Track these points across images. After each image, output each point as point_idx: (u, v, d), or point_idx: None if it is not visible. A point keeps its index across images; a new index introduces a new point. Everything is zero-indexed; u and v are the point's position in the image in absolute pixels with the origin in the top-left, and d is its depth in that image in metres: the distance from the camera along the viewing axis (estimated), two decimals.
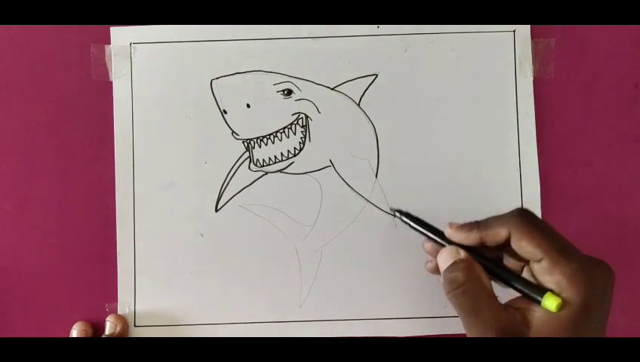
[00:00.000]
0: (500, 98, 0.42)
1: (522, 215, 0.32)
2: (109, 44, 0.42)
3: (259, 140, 0.41)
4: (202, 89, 0.42)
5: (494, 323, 0.30)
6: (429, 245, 0.35)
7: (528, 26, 0.42)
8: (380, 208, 0.41)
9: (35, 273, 0.41)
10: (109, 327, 0.40)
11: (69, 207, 0.41)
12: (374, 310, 0.41)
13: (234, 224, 0.41)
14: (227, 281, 0.41)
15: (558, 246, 0.31)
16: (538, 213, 0.41)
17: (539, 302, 0.30)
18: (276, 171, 0.41)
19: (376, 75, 0.42)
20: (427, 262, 0.35)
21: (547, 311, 0.30)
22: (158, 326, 0.41)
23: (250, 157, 0.41)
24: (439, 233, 0.34)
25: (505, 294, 0.33)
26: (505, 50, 0.42)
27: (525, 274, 0.33)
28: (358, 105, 0.42)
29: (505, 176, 0.40)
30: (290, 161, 0.41)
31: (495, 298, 0.32)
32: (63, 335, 0.41)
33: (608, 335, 0.41)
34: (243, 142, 0.41)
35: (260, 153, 0.41)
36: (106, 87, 0.42)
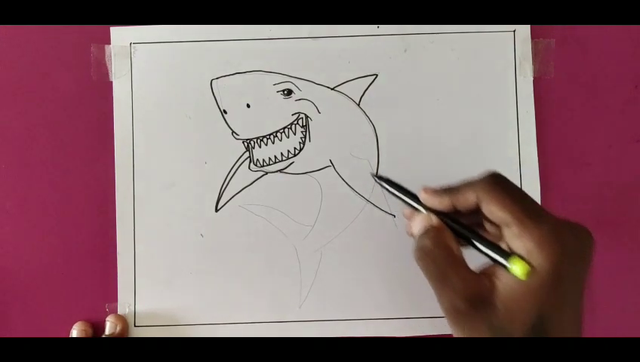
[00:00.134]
0: (500, 98, 0.42)
1: (492, 179, 0.31)
2: (109, 44, 0.42)
3: (259, 140, 0.41)
4: (202, 89, 0.42)
5: (462, 290, 0.30)
6: (408, 211, 0.35)
7: (528, 26, 0.42)
8: (380, 208, 0.41)
9: (35, 273, 0.41)
10: (109, 327, 0.40)
11: (69, 207, 0.41)
12: (374, 310, 0.41)
13: (234, 224, 0.41)
14: (227, 281, 0.41)
15: (528, 210, 0.30)
16: None
17: (507, 268, 0.29)
18: (276, 171, 0.41)
19: (376, 75, 0.42)
20: (408, 227, 0.35)
21: (516, 278, 0.29)
22: (158, 326, 0.41)
23: (250, 157, 0.41)
24: (417, 199, 0.34)
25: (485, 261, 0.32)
26: (505, 50, 0.42)
27: (493, 236, 0.32)
28: (358, 105, 0.42)
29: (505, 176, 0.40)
30: (290, 161, 0.41)
31: (464, 265, 0.31)
32: (63, 335, 0.41)
33: (609, 335, 0.41)
34: (243, 142, 0.41)
35: (260, 153, 0.41)
36: (106, 87, 0.42)
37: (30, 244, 0.41)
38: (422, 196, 0.33)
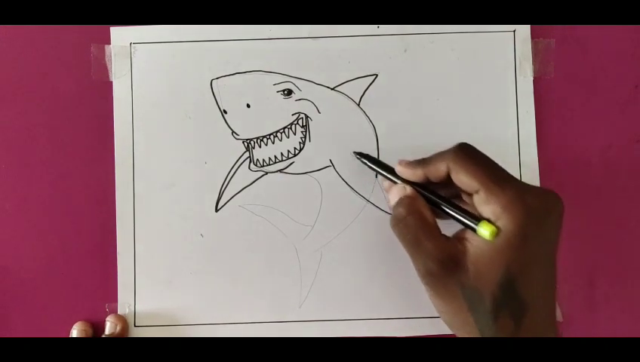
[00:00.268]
0: (500, 98, 0.42)
1: (460, 149, 0.33)
2: (109, 44, 0.42)
3: (259, 140, 0.41)
4: (202, 89, 0.42)
5: (435, 253, 0.32)
6: (386, 184, 0.37)
7: (528, 26, 0.42)
8: (380, 208, 0.41)
9: (35, 273, 0.41)
10: (109, 327, 0.40)
11: (69, 207, 0.41)
12: (374, 310, 0.41)
13: (234, 224, 0.41)
14: (227, 281, 0.41)
15: (495, 176, 0.32)
16: None
17: (475, 231, 0.32)
18: (276, 171, 0.41)
19: (376, 75, 0.42)
20: (387, 200, 0.37)
21: (485, 240, 0.31)
22: (158, 326, 0.41)
23: (250, 157, 0.41)
24: (394, 172, 0.36)
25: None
26: (505, 50, 0.42)
27: (471, 208, 0.33)
28: (358, 105, 0.42)
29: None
30: (290, 161, 0.41)
31: (437, 230, 0.33)
32: (63, 335, 0.41)
33: (608, 335, 0.41)
34: (243, 142, 0.41)
35: (260, 153, 0.41)
36: (106, 87, 0.42)
37: (30, 244, 0.41)
38: (397, 168, 0.36)
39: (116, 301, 0.41)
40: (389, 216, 0.40)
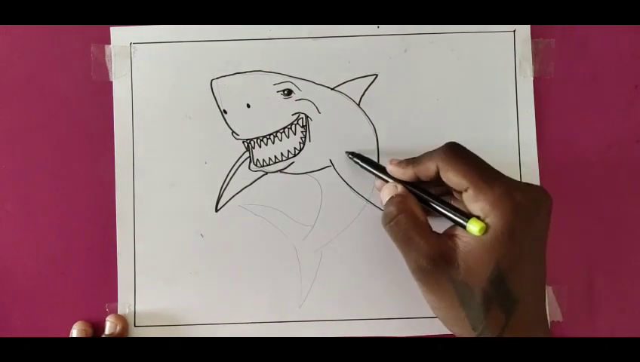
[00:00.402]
0: (500, 98, 0.42)
1: (449, 148, 0.34)
2: (109, 44, 0.42)
3: (259, 140, 0.41)
4: (202, 89, 0.42)
5: (426, 250, 0.33)
6: (379, 182, 0.38)
7: (528, 26, 0.42)
8: (380, 208, 0.41)
9: (35, 273, 0.41)
10: (109, 327, 0.40)
11: (69, 207, 0.41)
12: (374, 310, 0.41)
13: (234, 224, 0.41)
14: (227, 281, 0.41)
15: (483, 174, 0.32)
16: None
17: (465, 227, 0.32)
18: (276, 171, 0.41)
19: (376, 75, 0.42)
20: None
21: (474, 236, 0.32)
22: (158, 326, 0.41)
23: (250, 157, 0.41)
24: (386, 172, 0.37)
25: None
26: (505, 50, 0.42)
27: (461, 205, 0.34)
28: (358, 105, 0.42)
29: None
30: (290, 161, 0.41)
31: (428, 227, 0.34)
32: (63, 335, 0.40)
33: (608, 335, 0.41)
34: (243, 142, 0.41)
35: (260, 153, 0.41)
36: (106, 87, 0.42)
37: (30, 244, 0.41)
38: (388, 168, 0.37)
39: (116, 301, 0.41)
40: None
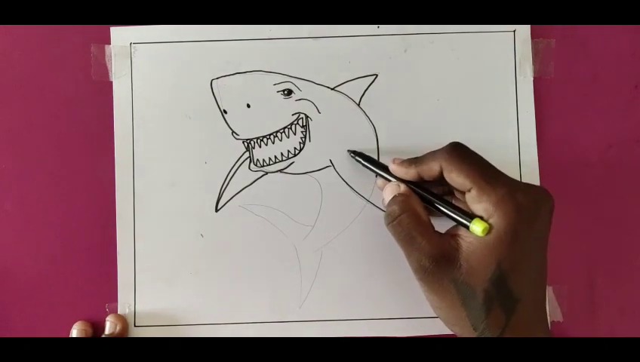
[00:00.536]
0: (500, 98, 0.42)
1: (453, 148, 0.34)
2: (109, 44, 0.42)
3: (259, 140, 0.41)
4: (202, 89, 0.42)
5: (428, 250, 0.33)
6: (381, 181, 0.38)
7: (528, 26, 0.42)
8: (380, 208, 0.41)
9: (35, 273, 0.41)
10: (109, 327, 0.40)
11: (69, 207, 0.41)
12: (374, 310, 0.41)
13: (234, 224, 0.41)
14: (227, 281, 0.41)
15: (486, 175, 0.32)
16: None
17: (468, 228, 0.32)
18: (276, 171, 0.41)
19: (376, 75, 0.42)
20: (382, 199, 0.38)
21: (477, 237, 0.32)
22: (158, 326, 0.41)
23: (250, 157, 0.41)
24: (389, 171, 0.37)
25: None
26: (505, 50, 0.42)
27: (463, 205, 0.34)
28: (358, 105, 0.42)
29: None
30: (291, 161, 0.41)
31: (430, 227, 0.34)
32: (63, 335, 0.40)
33: (608, 335, 0.41)
34: (243, 142, 0.41)
35: (260, 153, 0.41)
36: (106, 87, 0.42)
37: (30, 244, 0.41)
38: (391, 167, 0.37)
39: (116, 301, 0.41)
40: None
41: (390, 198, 0.36)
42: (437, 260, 0.32)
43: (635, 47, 0.42)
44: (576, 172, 0.42)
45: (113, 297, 0.41)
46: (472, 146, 0.34)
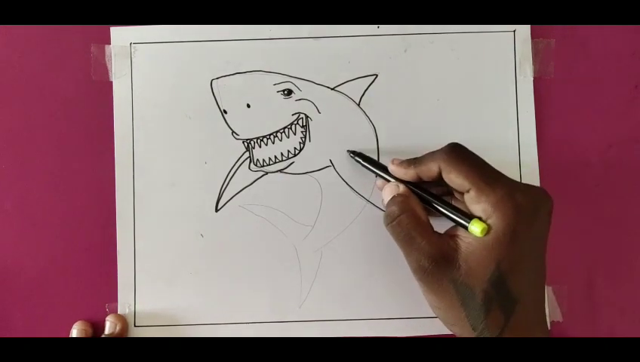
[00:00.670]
0: (500, 98, 0.42)
1: (451, 149, 0.34)
2: (109, 44, 0.42)
3: (259, 140, 0.41)
4: (202, 89, 0.42)
5: (428, 250, 0.33)
6: (380, 182, 0.39)
7: (528, 26, 0.42)
8: (380, 208, 0.41)
9: (35, 273, 0.41)
10: (109, 327, 0.40)
11: (69, 207, 0.41)
12: (374, 310, 0.41)
13: (234, 224, 0.41)
14: (227, 281, 0.41)
15: (485, 176, 0.32)
16: None
17: (467, 228, 0.32)
18: (276, 171, 0.41)
19: (376, 75, 0.42)
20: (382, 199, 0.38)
21: (476, 238, 0.32)
22: (158, 326, 0.41)
23: (250, 157, 0.41)
24: (388, 171, 0.37)
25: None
26: (505, 50, 0.42)
27: (462, 206, 0.34)
28: (358, 105, 0.42)
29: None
30: (291, 161, 0.41)
31: (429, 227, 0.34)
32: (63, 335, 0.40)
33: (608, 335, 0.41)
34: (243, 142, 0.41)
35: (260, 153, 0.41)
36: (106, 87, 0.42)
37: (30, 244, 0.41)
38: (390, 167, 0.37)
39: (116, 301, 0.41)
40: None
41: (389, 199, 0.36)
42: (436, 260, 0.32)
43: (635, 47, 0.42)
44: (576, 172, 0.42)
45: (113, 297, 0.41)
46: (472, 146, 0.34)
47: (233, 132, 0.41)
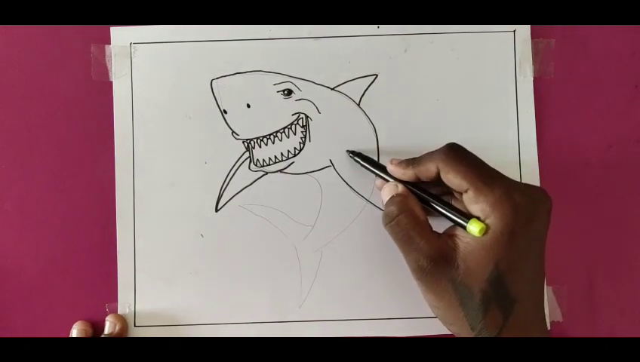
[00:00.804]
0: (500, 98, 0.42)
1: (449, 150, 0.34)
2: (109, 44, 0.42)
3: (259, 140, 0.41)
4: (202, 89, 0.42)
5: (426, 250, 0.33)
6: (379, 182, 0.39)
7: (528, 26, 0.42)
8: (380, 208, 0.41)
9: (35, 273, 0.41)
10: (108, 327, 0.40)
11: (69, 207, 0.41)
12: (374, 310, 0.41)
13: (234, 224, 0.41)
14: (227, 281, 0.41)
15: (483, 176, 0.32)
16: None
17: (465, 228, 0.32)
18: (276, 171, 0.41)
19: (376, 75, 0.42)
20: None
21: (475, 237, 0.32)
22: (158, 326, 0.41)
23: (250, 157, 0.41)
24: (387, 171, 0.37)
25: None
26: (505, 50, 0.42)
27: (461, 206, 0.34)
28: (358, 105, 0.42)
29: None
30: (291, 161, 0.41)
31: (428, 227, 0.34)
32: (63, 335, 0.41)
33: (608, 335, 0.41)
34: (243, 142, 0.41)
35: (260, 153, 0.41)
36: (106, 87, 0.42)
37: (30, 244, 0.41)
38: (389, 167, 0.37)
39: (116, 301, 0.41)
40: None
41: (388, 199, 0.36)
42: (435, 260, 0.32)
43: (635, 47, 0.42)
44: (576, 172, 0.42)
45: (113, 297, 0.41)
46: (472, 146, 0.34)
47: (233, 132, 0.41)
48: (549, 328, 0.40)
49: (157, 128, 0.41)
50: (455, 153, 0.34)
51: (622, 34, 0.42)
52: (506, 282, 0.31)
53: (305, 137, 0.41)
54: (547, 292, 0.41)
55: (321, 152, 0.41)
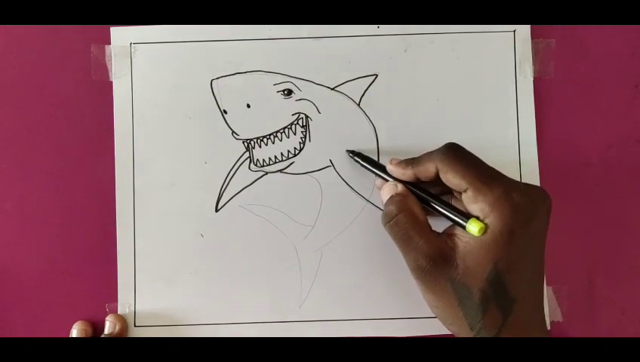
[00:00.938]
0: (500, 98, 0.42)
1: (448, 149, 0.34)
2: (109, 44, 0.42)
3: (259, 140, 0.41)
4: (202, 89, 0.42)
5: (426, 249, 0.33)
6: (379, 181, 0.39)
7: (528, 26, 0.42)
8: (380, 208, 0.41)
9: (35, 273, 0.41)
10: (108, 327, 0.40)
11: (69, 207, 0.41)
12: (374, 310, 0.41)
13: (234, 224, 0.41)
14: (227, 281, 0.41)
15: (482, 175, 0.32)
16: None
17: (464, 228, 0.32)
18: (276, 171, 0.41)
19: (376, 75, 0.42)
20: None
21: (474, 237, 0.32)
22: (159, 326, 0.41)
23: (250, 157, 0.41)
24: (386, 171, 0.37)
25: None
26: (505, 50, 0.42)
27: (460, 205, 0.34)
28: (358, 105, 0.42)
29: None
30: (291, 161, 0.41)
31: (427, 226, 0.34)
32: (63, 335, 0.41)
33: (608, 335, 0.41)
34: (243, 142, 0.41)
35: (260, 153, 0.41)
36: (106, 87, 0.42)
37: (30, 244, 0.41)
38: (388, 167, 0.37)
39: (116, 301, 0.41)
40: None
41: (387, 198, 0.36)
42: (434, 260, 0.32)
43: (635, 47, 0.42)
44: (576, 172, 0.42)
45: (113, 297, 0.41)
46: (472, 146, 0.34)
47: (233, 132, 0.41)
48: (548, 328, 0.40)
49: (157, 128, 0.41)
50: (454, 153, 0.34)
51: (622, 34, 0.42)
52: (505, 282, 0.31)
53: (305, 137, 0.41)
54: (547, 292, 0.41)
55: (321, 152, 0.41)
